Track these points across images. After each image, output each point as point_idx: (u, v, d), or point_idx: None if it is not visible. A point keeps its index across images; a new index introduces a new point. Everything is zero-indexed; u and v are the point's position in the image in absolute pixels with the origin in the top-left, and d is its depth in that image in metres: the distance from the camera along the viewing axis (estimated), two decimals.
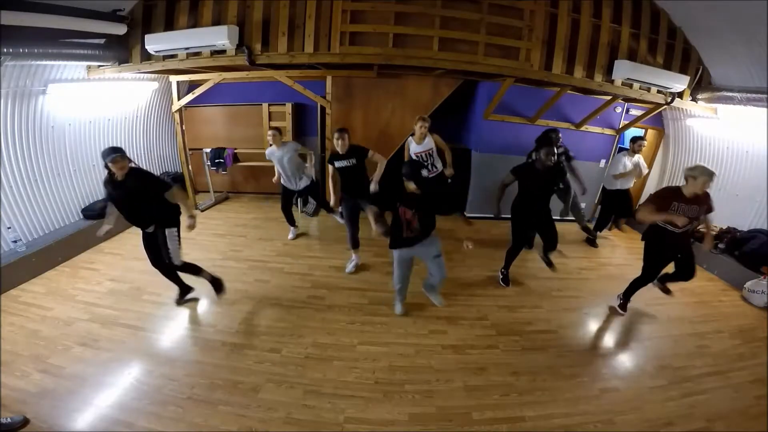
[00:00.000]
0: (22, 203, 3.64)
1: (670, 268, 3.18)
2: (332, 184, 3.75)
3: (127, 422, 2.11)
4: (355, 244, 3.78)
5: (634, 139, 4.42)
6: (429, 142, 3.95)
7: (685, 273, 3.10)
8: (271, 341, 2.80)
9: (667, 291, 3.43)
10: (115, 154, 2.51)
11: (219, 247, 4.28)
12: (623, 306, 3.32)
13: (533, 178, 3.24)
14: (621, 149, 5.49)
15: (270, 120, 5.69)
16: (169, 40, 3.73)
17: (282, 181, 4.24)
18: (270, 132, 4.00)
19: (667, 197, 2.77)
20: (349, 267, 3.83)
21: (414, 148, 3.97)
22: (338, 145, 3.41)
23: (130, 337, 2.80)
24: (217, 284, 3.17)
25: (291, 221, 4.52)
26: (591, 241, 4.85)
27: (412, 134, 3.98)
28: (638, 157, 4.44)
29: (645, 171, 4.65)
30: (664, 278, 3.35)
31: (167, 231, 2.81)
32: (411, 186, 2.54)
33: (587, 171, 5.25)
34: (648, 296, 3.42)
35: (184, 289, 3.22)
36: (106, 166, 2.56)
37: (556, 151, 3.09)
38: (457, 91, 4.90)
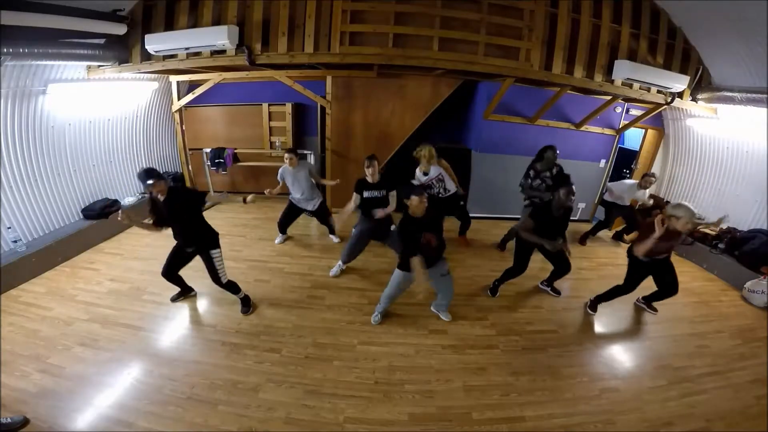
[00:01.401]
0: (22, 203, 3.64)
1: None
2: (348, 211, 3.46)
3: (127, 422, 2.11)
4: (347, 261, 3.75)
5: (645, 176, 4.40)
6: (436, 169, 3.98)
7: (669, 289, 3.12)
8: (271, 341, 2.80)
9: (654, 309, 3.40)
10: (150, 179, 2.54)
11: None
12: (593, 306, 3.35)
13: (552, 218, 3.09)
14: (621, 149, 5.50)
15: (270, 120, 5.69)
16: (169, 40, 3.73)
17: (292, 198, 4.18)
18: (288, 155, 3.90)
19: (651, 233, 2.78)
20: (334, 270, 3.77)
21: (422, 178, 3.99)
22: (368, 173, 3.33)
23: (130, 337, 2.80)
24: (246, 301, 3.18)
25: (283, 231, 4.46)
26: (619, 236, 4.92)
27: (418, 164, 3.97)
28: (644, 193, 4.47)
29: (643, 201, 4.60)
30: (650, 298, 3.34)
31: (212, 253, 2.88)
32: (410, 202, 2.51)
33: (587, 171, 5.27)
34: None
35: (186, 290, 3.26)
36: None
37: (574, 191, 2.98)
38: (457, 91, 4.90)
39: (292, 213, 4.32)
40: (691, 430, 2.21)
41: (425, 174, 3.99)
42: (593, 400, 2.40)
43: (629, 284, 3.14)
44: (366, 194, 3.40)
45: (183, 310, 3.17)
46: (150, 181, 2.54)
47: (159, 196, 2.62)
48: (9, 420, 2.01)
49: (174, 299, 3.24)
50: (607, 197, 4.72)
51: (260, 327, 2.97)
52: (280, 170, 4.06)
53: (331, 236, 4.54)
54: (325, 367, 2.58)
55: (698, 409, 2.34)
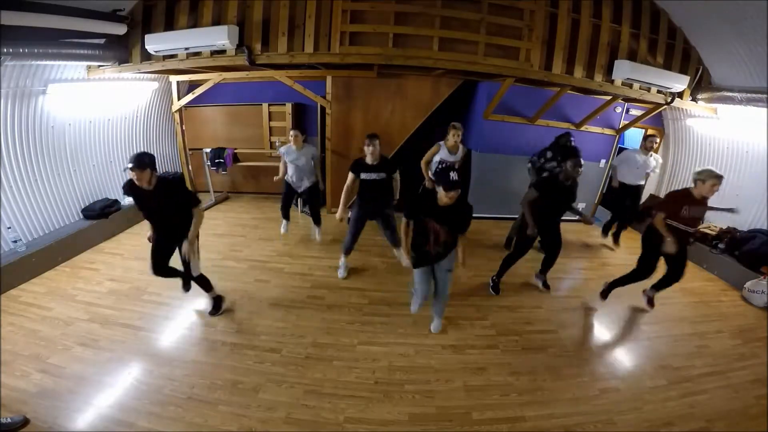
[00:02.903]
0: (22, 203, 3.64)
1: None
2: (345, 197, 3.37)
3: (127, 422, 2.11)
4: (348, 252, 3.67)
5: (646, 137, 4.34)
6: (461, 153, 3.95)
7: (675, 274, 3.15)
8: (271, 341, 2.80)
9: (652, 304, 3.40)
10: (130, 164, 2.38)
11: (219, 247, 4.28)
12: (605, 294, 3.38)
13: (557, 192, 3.11)
14: (621, 149, 5.50)
15: (270, 120, 5.69)
16: (169, 40, 3.73)
17: (287, 179, 4.14)
18: (293, 132, 3.92)
19: (678, 202, 2.87)
20: (342, 272, 3.71)
21: (446, 156, 3.90)
22: (368, 153, 3.18)
23: (130, 337, 2.80)
24: (217, 303, 3.10)
25: (286, 216, 4.44)
26: (615, 241, 4.80)
27: (444, 140, 3.92)
28: (652, 156, 4.33)
29: (650, 169, 4.38)
30: (655, 287, 3.34)
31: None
32: (450, 196, 2.29)
33: (587, 171, 5.25)
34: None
35: (186, 275, 3.05)
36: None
37: (582, 162, 3.00)
38: (457, 91, 4.90)
39: (288, 196, 4.28)
40: (691, 430, 2.21)
41: (452, 153, 3.90)
42: (593, 400, 2.40)
43: (645, 269, 3.14)
44: (363, 176, 3.26)
45: (183, 310, 3.17)
46: (128, 166, 2.38)
47: (143, 185, 2.47)
48: (9, 420, 2.01)
49: (186, 290, 3.10)
50: (619, 178, 4.46)
51: (260, 327, 2.96)
52: (282, 149, 4.00)
53: (315, 228, 4.44)
54: (325, 367, 2.58)
55: (698, 409, 2.34)
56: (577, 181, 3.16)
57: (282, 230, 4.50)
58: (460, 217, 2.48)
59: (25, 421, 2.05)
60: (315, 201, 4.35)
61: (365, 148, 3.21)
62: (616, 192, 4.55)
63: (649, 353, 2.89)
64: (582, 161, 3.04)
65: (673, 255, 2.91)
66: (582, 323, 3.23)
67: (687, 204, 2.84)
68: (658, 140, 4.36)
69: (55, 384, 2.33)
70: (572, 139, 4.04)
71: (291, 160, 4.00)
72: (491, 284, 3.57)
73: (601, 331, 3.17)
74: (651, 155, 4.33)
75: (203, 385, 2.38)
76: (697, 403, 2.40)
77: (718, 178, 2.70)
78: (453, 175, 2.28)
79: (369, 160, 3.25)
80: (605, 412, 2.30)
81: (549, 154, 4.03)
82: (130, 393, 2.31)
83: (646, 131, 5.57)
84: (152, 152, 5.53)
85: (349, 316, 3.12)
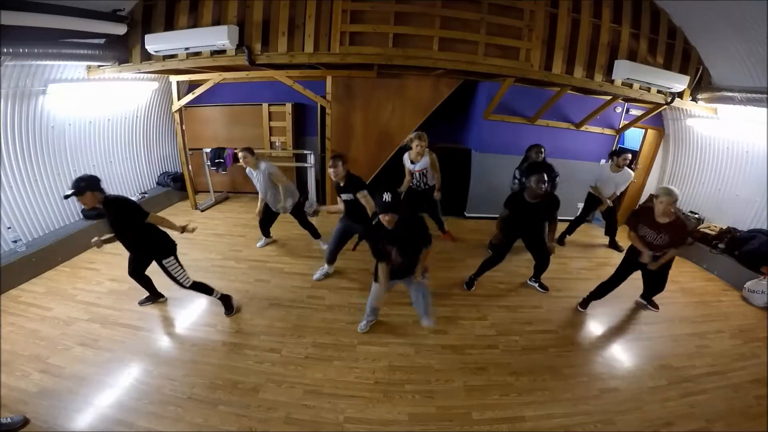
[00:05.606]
0: (22, 203, 3.64)
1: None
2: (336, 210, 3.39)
3: (127, 422, 2.11)
4: (331, 260, 3.62)
5: (618, 155, 4.19)
6: (426, 161, 3.90)
7: (655, 287, 3.18)
8: (271, 341, 2.80)
9: (655, 307, 3.41)
10: (68, 192, 2.36)
11: (219, 247, 4.28)
12: (584, 304, 3.35)
13: (525, 209, 3.11)
14: (621, 149, 5.50)
15: (270, 120, 5.69)
16: (169, 40, 3.73)
17: (266, 198, 3.94)
18: (241, 153, 3.61)
19: (638, 218, 2.88)
20: (318, 274, 3.66)
21: (410, 166, 3.99)
22: (331, 174, 3.02)
23: (130, 337, 2.81)
24: (227, 302, 3.09)
25: (265, 234, 4.31)
26: (614, 245, 4.72)
27: (409, 149, 3.93)
28: (623, 173, 4.20)
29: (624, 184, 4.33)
30: (645, 296, 3.37)
31: (164, 262, 2.74)
32: (386, 220, 2.20)
33: (587, 171, 5.26)
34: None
35: (155, 295, 3.17)
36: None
37: (546, 179, 2.94)
38: (457, 91, 4.90)
39: (267, 213, 4.06)
40: (691, 430, 2.21)
41: (413, 163, 3.95)
42: (593, 400, 2.40)
43: (616, 278, 3.16)
44: (343, 196, 3.20)
45: (182, 310, 3.17)
46: (67, 193, 2.37)
47: (84, 206, 2.48)
48: (9, 420, 2.02)
49: (141, 303, 3.16)
50: (592, 192, 4.50)
51: (260, 327, 2.97)
52: (247, 170, 3.82)
53: (317, 241, 4.21)
54: (325, 367, 2.58)
55: (698, 409, 2.34)
56: (557, 200, 3.07)
57: (258, 245, 4.33)
58: (414, 233, 2.38)
59: (25, 421, 2.05)
60: (302, 218, 4.09)
61: (327, 169, 3.07)
62: (589, 202, 4.55)
63: (649, 353, 2.89)
64: (545, 178, 2.92)
65: (647, 269, 2.93)
66: (582, 323, 3.22)
67: (643, 223, 2.79)
68: (629, 157, 4.21)
69: (55, 384, 2.33)
70: (543, 151, 3.97)
71: (255, 181, 3.84)
72: (467, 280, 3.62)
73: (601, 331, 3.17)
74: (623, 170, 4.20)
75: (203, 385, 2.38)
76: (697, 403, 2.39)
77: (669, 194, 2.58)
78: (386, 197, 2.15)
79: (333, 179, 3.10)
80: (605, 412, 2.30)
81: (518, 173, 3.93)
82: (130, 393, 2.31)
83: (644, 133, 5.57)
84: (152, 152, 5.60)
85: (349, 316, 3.12)
